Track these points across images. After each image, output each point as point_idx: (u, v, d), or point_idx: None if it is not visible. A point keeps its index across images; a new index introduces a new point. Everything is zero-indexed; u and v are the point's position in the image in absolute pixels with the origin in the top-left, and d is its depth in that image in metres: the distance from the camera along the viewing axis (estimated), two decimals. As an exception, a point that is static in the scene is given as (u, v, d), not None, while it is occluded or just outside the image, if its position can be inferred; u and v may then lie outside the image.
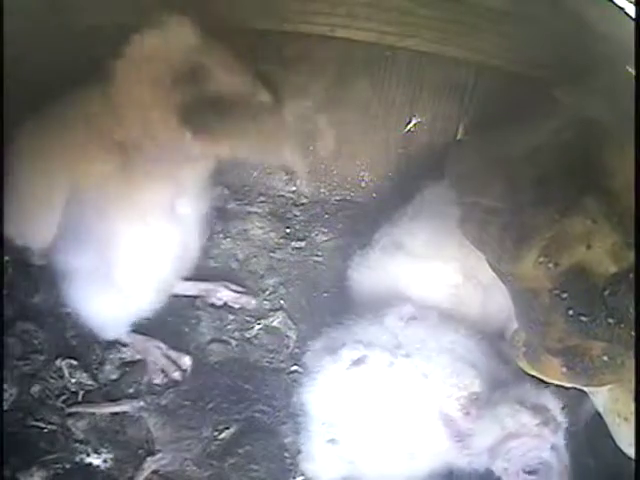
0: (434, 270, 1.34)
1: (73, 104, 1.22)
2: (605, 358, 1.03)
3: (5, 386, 1.29)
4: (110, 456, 1.26)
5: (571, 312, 1.04)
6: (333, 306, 1.49)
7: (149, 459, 1.26)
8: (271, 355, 1.44)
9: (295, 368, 1.41)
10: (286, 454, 1.27)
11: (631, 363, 1.02)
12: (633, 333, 0.99)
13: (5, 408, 1.27)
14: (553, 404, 1.13)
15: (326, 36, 1.51)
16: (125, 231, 1.22)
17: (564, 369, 1.07)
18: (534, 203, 1.11)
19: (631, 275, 1.00)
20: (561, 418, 1.13)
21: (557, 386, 1.13)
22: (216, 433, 1.30)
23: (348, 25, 1.49)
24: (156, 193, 1.22)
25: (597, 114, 1.12)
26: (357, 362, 1.18)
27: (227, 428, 1.31)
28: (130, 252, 1.24)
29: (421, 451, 1.17)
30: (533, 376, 1.14)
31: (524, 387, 1.15)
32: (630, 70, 0.95)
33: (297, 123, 1.22)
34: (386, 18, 1.47)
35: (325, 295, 1.55)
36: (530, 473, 1.12)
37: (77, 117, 1.20)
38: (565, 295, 1.04)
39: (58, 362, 1.35)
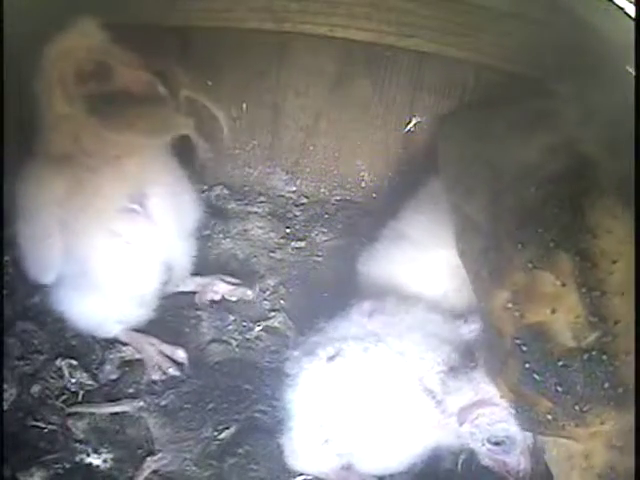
0: (435, 258, 1.35)
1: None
2: (549, 417, 1.04)
3: (5, 386, 1.29)
4: (110, 456, 1.26)
5: (527, 366, 1.05)
6: (333, 305, 1.49)
7: (149, 459, 1.26)
8: (271, 355, 1.44)
9: (295, 368, 1.40)
10: (286, 454, 1.27)
11: (571, 429, 1.04)
12: (577, 408, 1.01)
13: (5, 408, 1.27)
14: None
15: (326, 36, 1.51)
16: (90, 241, 1.26)
17: (513, 411, 1.11)
18: (513, 237, 1.11)
19: (586, 356, 1.00)
20: None
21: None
22: (216, 433, 1.30)
23: (348, 25, 1.49)
24: (114, 196, 1.25)
25: (593, 150, 1.12)
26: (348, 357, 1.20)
27: (227, 428, 1.31)
28: (104, 259, 1.28)
29: (410, 429, 1.18)
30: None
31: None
32: (630, 70, 0.95)
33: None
34: (386, 18, 1.47)
35: (325, 295, 1.55)
36: (495, 444, 1.15)
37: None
38: (525, 349, 1.05)
39: (58, 362, 1.35)
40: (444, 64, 1.52)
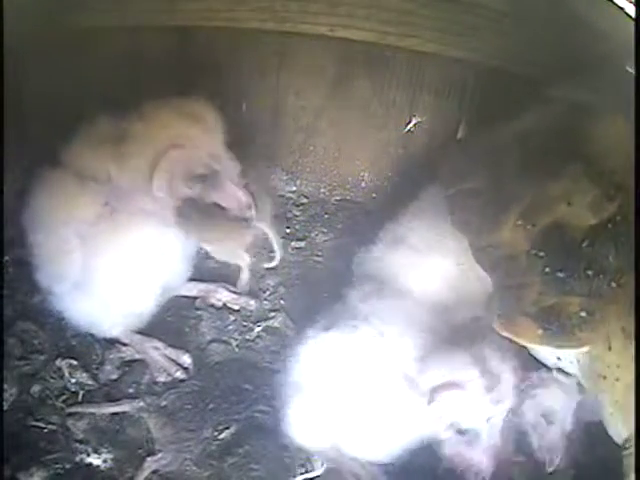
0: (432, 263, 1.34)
1: None
2: (583, 314, 1.01)
3: (5, 386, 1.29)
4: (110, 456, 1.26)
5: (548, 269, 1.02)
6: (333, 306, 1.49)
7: (149, 459, 1.26)
8: (271, 355, 1.44)
9: (295, 368, 1.40)
10: (286, 454, 1.27)
11: (610, 317, 1.00)
12: (613, 284, 0.98)
13: (5, 408, 1.27)
14: (507, 376, 1.14)
15: (326, 36, 1.51)
16: (105, 257, 1.27)
17: (540, 330, 1.05)
18: (516, 176, 1.11)
19: (610, 225, 0.99)
20: (508, 394, 1.14)
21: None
22: (216, 433, 1.30)
23: (348, 25, 1.49)
24: (139, 218, 1.26)
25: (585, 100, 1.12)
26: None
27: (227, 428, 1.31)
28: (109, 265, 1.28)
29: (393, 415, 1.19)
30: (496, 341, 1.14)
31: (481, 347, 1.16)
32: (630, 70, 0.95)
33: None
34: (386, 18, 1.47)
35: (325, 295, 1.55)
36: (459, 432, 1.13)
37: None
38: (542, 254, 1.03)
39: (58, 362, 1.35)
40: (444, 64, 1.52)
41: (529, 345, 1.11)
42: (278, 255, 1.51)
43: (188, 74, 1.54)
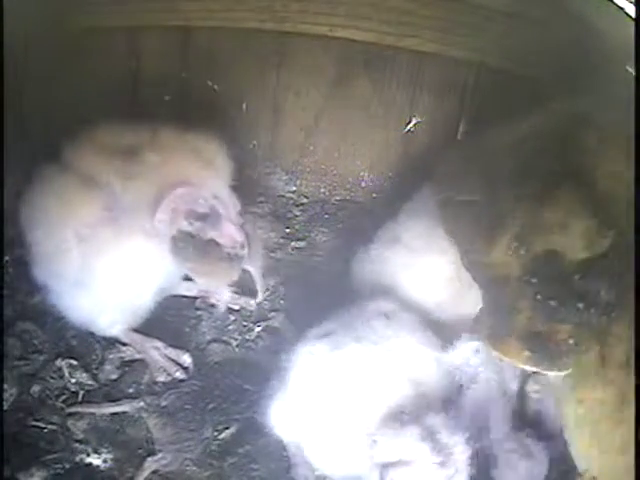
0: (428, 264, 1.34)
1: None
2: (571, 342, 1.01)
3: (5, 386, 1.29)
4: (110, 456, 1.26)
5: (539, 297, 1.02)
6: (333, 306, 1.49)
7: (149, 459, 1.26)
8: (271, 355, 1.44)
9: (295, 368, 1.40)
10: (286, 454, 1.27)
11: (596, 350, 1.00)
12: (604, 317, 0.98)
13: (5, 408, 1.27)
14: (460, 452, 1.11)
15: (326, 36, 1.51)
16: (104, 256, 1.27)
17: (527, 353, 1.05)
18: (510, 193, 1.10)
19: (603, 260, 0.99)
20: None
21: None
22: (216, 433, 1.30)
23: (348, 25, 1.49)
24: (139, 219, 1.26)
25: (584, 110, 1.12)
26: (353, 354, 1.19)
27: (227, 428, 1.31)
28: (108, 267, 1.28)
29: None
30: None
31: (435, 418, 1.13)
32: (630, 70, 0.95)
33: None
34: (386, 18, 1.47)
35: (325, 295, 1.55)
36: None
37: None
38: (534, 280, 1.03)
39: (58, 362, 1.35)
40: (444, 64, 1.52)
41: (518, 365, 1.11)
42: (260, 293, 1.53)
43: (188, 73, 1.55)
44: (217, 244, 1.27)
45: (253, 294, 1.53)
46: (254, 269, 1.52)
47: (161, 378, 1.36)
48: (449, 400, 1.20)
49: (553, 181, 1.06)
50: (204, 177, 1.27)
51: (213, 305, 1.50)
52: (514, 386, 1.23)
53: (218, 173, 1.30)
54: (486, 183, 1.17)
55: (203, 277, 1.35)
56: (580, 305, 1.00)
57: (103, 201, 1.25)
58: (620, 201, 1.02)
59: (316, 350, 1.22)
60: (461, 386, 1.22)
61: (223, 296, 1.50)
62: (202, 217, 1.25)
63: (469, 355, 1.22)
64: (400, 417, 1.12)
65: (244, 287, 1.51)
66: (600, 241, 1.01)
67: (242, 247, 1.29)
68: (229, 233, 1.28)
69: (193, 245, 1.26)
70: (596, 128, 1.09)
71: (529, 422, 1.22)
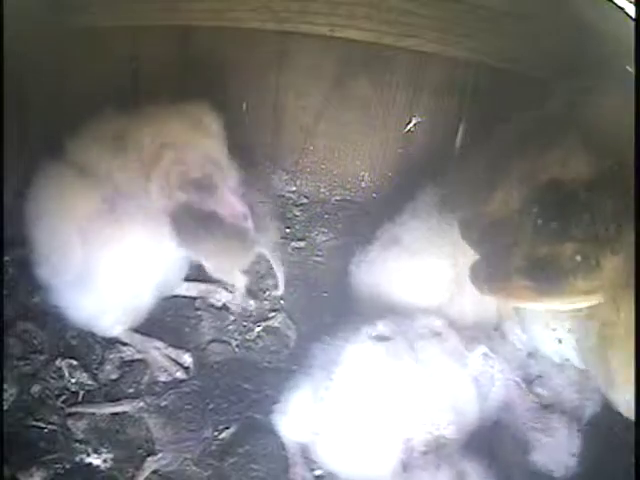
0: (429, 266, 1.34)
1: None
2: (578, 258, 0.97)
3: (5, 386, 1.29)
4: (110, 456, 1.26)
5: (540, 221, 1.00)
6: (333, 306, 1.49)
7: (149, 459, 1.26)
8: (271, 355, 1.44)
9: (295, 368, 1.40)
10: (286, 454, 1.27)
11: (607, 264, 0.97)
12: (611, 229, 0.96)
13: (5, 408, 1.27)
14: None
15: (326, 36, 1.51)
16: (106, 253, 1.25)
17: (530, 283, 1.02)
18: (511, 157, 1.10)
19: (609, 173, 0.97)
20: None
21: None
22: (216, 433, 1.30)
23: (348, 25, 1.49)
24: (140, 215, 1.24)
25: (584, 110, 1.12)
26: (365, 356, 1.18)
27: (227, 428, 1.31)
28: (109, 261, 1.26)
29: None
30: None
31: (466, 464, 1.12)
32: (630, 70, 0.95)
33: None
34: (386, 18, 1.47)
35: (325, 295, 1.55)
36: None
37: None
38: (535, 209, 1.01)
39: (58, 362, 1.35)
40: (444, 64, 1.52)
41: (521, 304, 1.08)
42: (281, 284, 1.48)
43: (188, 74, 1.54)
44: (220, 219, 1.21)
45: (253, 294, 1.52)
46: (269, 252, 1.44)
47: (161, 378, 1.36)
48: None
49: (554, 131, 1.05)
50: (194, 139, 1.22)
51: (213, 305, 1.50)
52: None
53: (209, 135, 1.25)
54: (486, 162, 1.16)
55: (213, 259, 1.28)
56: (586, 216, 0.97)
57: (100, 191, 1.24)
58: (620, 137, 0.99)
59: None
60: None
61: (223, 296, 1.49)
62: (197, 184, 1.20)
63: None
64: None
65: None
66: (602, 163, 0.99)
67: (245, 218, 1.23)
68: (229, 202, 1.22)
69: (194, 220, 1.20)
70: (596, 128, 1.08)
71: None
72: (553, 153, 1.04)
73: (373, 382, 1.17)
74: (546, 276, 1.00)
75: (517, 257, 1.03)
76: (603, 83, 1.07)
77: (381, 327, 1.23)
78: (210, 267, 1.33)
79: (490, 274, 1.08)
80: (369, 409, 1.16)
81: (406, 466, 1.12)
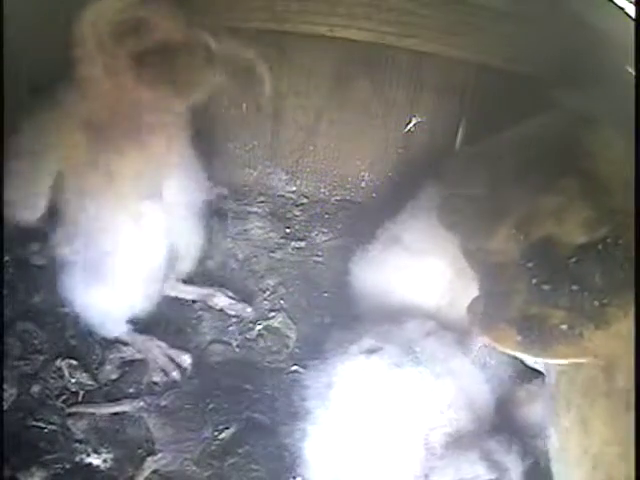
0: (429, 266, 1.34)
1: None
2: (564, 327, 0.99)
3: (5, 386, 1.29)
4: (110, 456, 1.26)
5: (535, 281, 1.01)
6: (333, 306, 1.49)
7: (149, 459, 1.26)
8: (271, 355, 1.44)
9: (295, 368, 1.41)
10: (286, 454, 1.27)
11: (590, 334, 0.99)
12: (596, 302, 0.97)
13: (5, 408, 1.27)
14: (515, 467, 1.11)
15: (326, 36, 1.51)
16: (108, 222, 1.22)
17: (519, 337, 1.03)
18: (512, 183, 1.10)
19: (600, 246, 0.98)
20: None
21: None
22: (216, 433, 1.30)
23: (348, 25, 1.49)
24: (136, 177, 1.20)
25: (589, 112, 1.12)
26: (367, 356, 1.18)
27: (227, 428, 1.31)
28: (117, 244, 1.24)
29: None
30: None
31: (490, 442, 1.13)
32: (630, 70, 0.95)
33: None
34: (386, 18, 1.47)
35: (325, 295, 1.55)
36: None
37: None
38: (530, 265, 1.02)
39: (58, 362, 1.35)
40: (444, 64, 1.52)
41: (507, 351, 1.11)
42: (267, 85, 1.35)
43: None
44: (167, 45, 1.14)
45: (252, 297, 1.52)
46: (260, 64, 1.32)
47: (162, 378, 1.36)
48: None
49: (553, 172, 1.06)
50: None
51: (212, 307, 1.50)
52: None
53: None
54: (488, 177, 1.17)
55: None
56: (574, 288, 0.99)
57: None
58: (619, 193, 1.01)
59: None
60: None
61: (221, 301, 1.49)
62: (129, 32, 1.13)
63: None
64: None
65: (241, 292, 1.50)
66: (598, 227, 1.01)
67: (193, 35, 1.16)
68: (168, 28, 1.14)
69: (146, 57, 1.13)
70: (596, 127, 1.09)
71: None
72: (550, 199, 1.05)
73: (377, 389, 1.16)
74: (534, 336, 1.02)
75: (512, 308, 1.05)
76: (610, 116, 1.08)
77: (380, 328, 1.23)
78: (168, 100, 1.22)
79: (485, 315, 1.10)
80: (378, 416, 1.15)
81: (428, 471, 1.12)
